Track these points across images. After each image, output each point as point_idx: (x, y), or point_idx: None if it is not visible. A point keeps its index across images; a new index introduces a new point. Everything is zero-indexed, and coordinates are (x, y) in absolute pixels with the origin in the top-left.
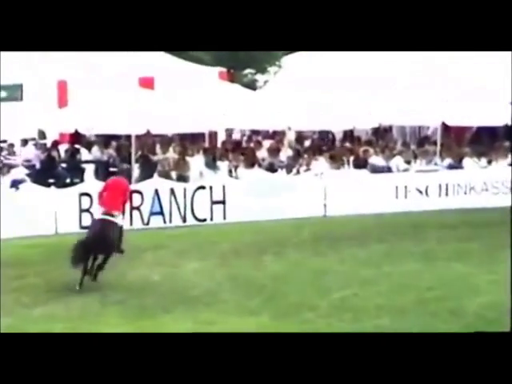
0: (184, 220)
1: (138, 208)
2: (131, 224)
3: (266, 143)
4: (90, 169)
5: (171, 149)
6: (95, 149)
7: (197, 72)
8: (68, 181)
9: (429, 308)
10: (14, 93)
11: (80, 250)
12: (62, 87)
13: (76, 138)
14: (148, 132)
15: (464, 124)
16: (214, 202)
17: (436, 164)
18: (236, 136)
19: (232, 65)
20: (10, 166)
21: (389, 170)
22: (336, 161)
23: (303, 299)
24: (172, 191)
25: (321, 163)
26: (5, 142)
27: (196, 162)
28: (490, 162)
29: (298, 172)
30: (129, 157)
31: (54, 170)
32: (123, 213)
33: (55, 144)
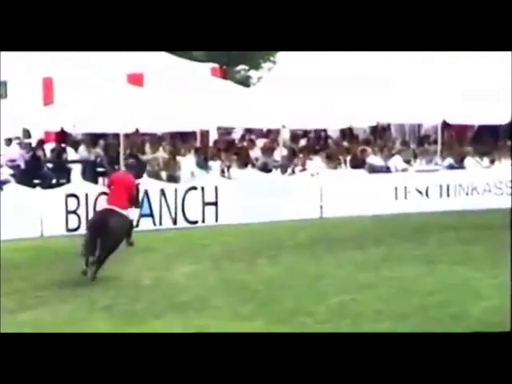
0: (175, 222)
1: None
2: None
3: (260, 142)
4: (76, 169)
5: (161, 148)
6: (82, 148)
7: (188, 68)
8: (54, 181)
9: (430, 313)
10: None
11: (84, 240)
12: (48, 84)
13: (62, 136)
14: (137, 130)
15: (465, 122)
16: (205, 204)
17: (436, 164)
18: (229, 135)
19: (225, 61)
20: None
21: (387, 169)
22: (333, 160)
23: (299, 304)
24: (162, 192)
25: (317, 163)
26: None
27: (187, 161)
28: (492, 162)
29: (293, 172)
30: (117, 156)
31: (39, 170)
32: (135, 206)
33: (40, 143)
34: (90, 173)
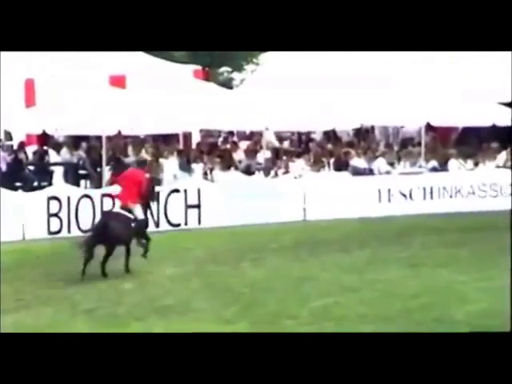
0: (157, 225)
1: None
2: None
3: (243, 144)
4: (58, 171)
5: (144, 150)
6: (64, 150)
7: (171, 70)
8: (36, 184)
9: (414, 317)
10: None
11: (86, 241)
12: (30, 86)
13: (44, 139)
14: (119, 133)
15: (449, 124)
16: (188, 206)
17: (420, 166)
18: (211, 137)
19: (207, 62)
20: None
21: (371, 172)
22: (316, 163)
23: (283, 307)
24: None
25: (300, 165)
26: None
27: (170, 164)
28: (476, 164)
29: (276, 174)
30: (99, 159)
31: (20, 173)
32: (147, 206)
33: (22, 145)
34: (72, 175)
